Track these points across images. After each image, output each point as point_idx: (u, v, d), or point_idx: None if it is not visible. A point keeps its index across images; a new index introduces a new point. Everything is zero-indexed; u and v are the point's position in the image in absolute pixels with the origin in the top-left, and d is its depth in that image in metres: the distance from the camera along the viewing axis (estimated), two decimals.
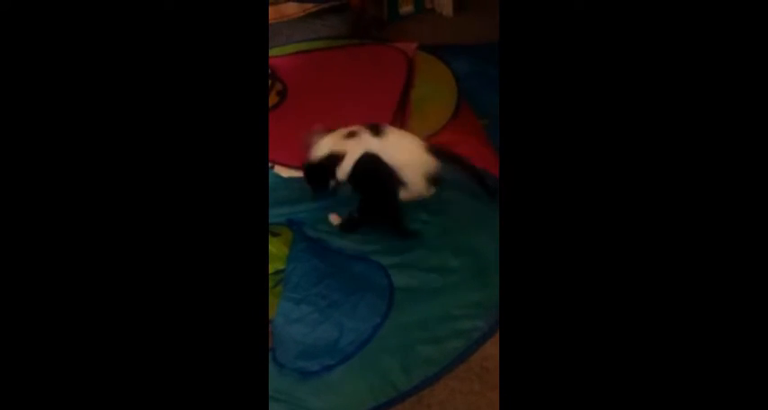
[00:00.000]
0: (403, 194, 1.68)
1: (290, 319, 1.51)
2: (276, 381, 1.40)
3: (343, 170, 1.67)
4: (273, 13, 2.43)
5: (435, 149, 1.69)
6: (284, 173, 1.92)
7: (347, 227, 1.72)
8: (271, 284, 1.62)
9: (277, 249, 1.69)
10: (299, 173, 1.81)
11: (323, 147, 1.69)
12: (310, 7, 2.46)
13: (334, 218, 1.74)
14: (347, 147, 1.66)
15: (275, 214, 1.76)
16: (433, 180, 1.69)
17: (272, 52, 2.48)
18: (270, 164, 1.92)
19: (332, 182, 1.71)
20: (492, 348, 1.45)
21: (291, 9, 2.43)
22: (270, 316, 1.53)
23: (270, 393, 1.37)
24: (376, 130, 1.67)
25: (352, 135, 1.67)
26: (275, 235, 1.72)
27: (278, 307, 1.54)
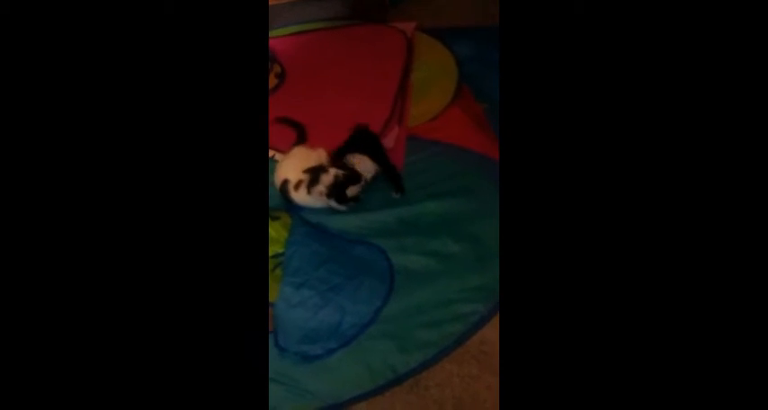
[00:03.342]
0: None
1: (292, 304, 1.52)
2: (276, 364, 1.42)
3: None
4: None
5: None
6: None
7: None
8: (270, 267, 1.63)
9: (276, 232, 1.69)
10: None
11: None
12: None
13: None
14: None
15: (274, 197, 1.76)
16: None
17: (270, 34, 2.45)
18: (271, 153, 1.91)
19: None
20: (490, 332, 1.47)
21: None
22: (270, 300, 1.54)
23: (270, 375, 1.39)
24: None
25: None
26: (274, 218, 1.73)
27: (279, 292, 1.55)
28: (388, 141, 1.94)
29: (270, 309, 1.53)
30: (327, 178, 1.66)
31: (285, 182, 1.73)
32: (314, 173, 1.68)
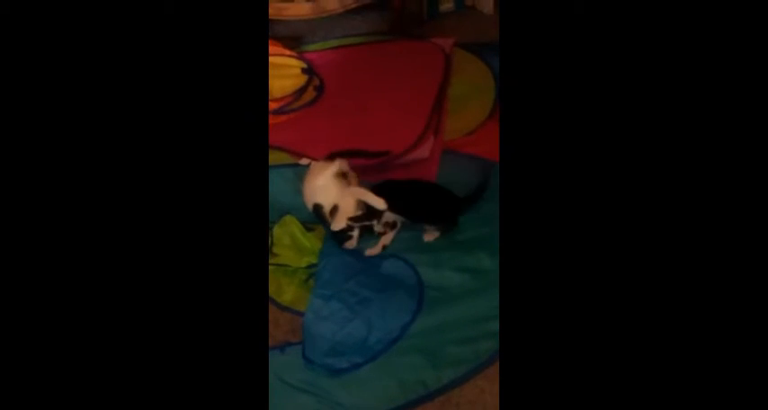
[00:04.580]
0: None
1: (320, 316, 1.52)
2: (305, 374, 1.42)
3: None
4: (314, 8, 2.45)
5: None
6: None
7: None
8: (303, 277, 1.64)
9: (311, 243, 1.70)
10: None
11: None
12: (350, 3, 2.46)
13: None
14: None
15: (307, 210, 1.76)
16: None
17: (310, 47, 2.49)
18: (307, 161, 1.93)
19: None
20: None
21: (332, 5, 2.44)
22: (300, 310, 1.55)
23: (300, 386, 1.40)
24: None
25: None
26: (310, 229, 1.74)
27: (308, 303, 1.56)
28: (423, 151, 1.94)
29: (299, 319, 1.54)
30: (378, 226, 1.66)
31: (318, 206, 1.69)
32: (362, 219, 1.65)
